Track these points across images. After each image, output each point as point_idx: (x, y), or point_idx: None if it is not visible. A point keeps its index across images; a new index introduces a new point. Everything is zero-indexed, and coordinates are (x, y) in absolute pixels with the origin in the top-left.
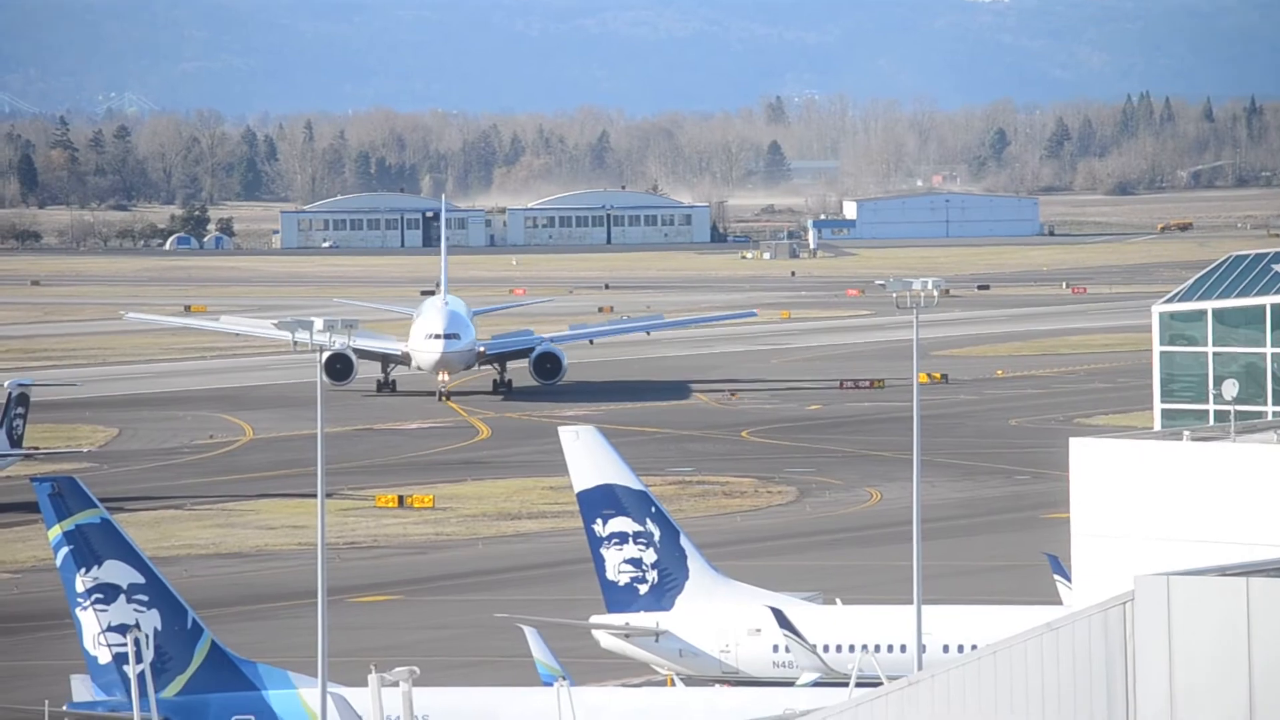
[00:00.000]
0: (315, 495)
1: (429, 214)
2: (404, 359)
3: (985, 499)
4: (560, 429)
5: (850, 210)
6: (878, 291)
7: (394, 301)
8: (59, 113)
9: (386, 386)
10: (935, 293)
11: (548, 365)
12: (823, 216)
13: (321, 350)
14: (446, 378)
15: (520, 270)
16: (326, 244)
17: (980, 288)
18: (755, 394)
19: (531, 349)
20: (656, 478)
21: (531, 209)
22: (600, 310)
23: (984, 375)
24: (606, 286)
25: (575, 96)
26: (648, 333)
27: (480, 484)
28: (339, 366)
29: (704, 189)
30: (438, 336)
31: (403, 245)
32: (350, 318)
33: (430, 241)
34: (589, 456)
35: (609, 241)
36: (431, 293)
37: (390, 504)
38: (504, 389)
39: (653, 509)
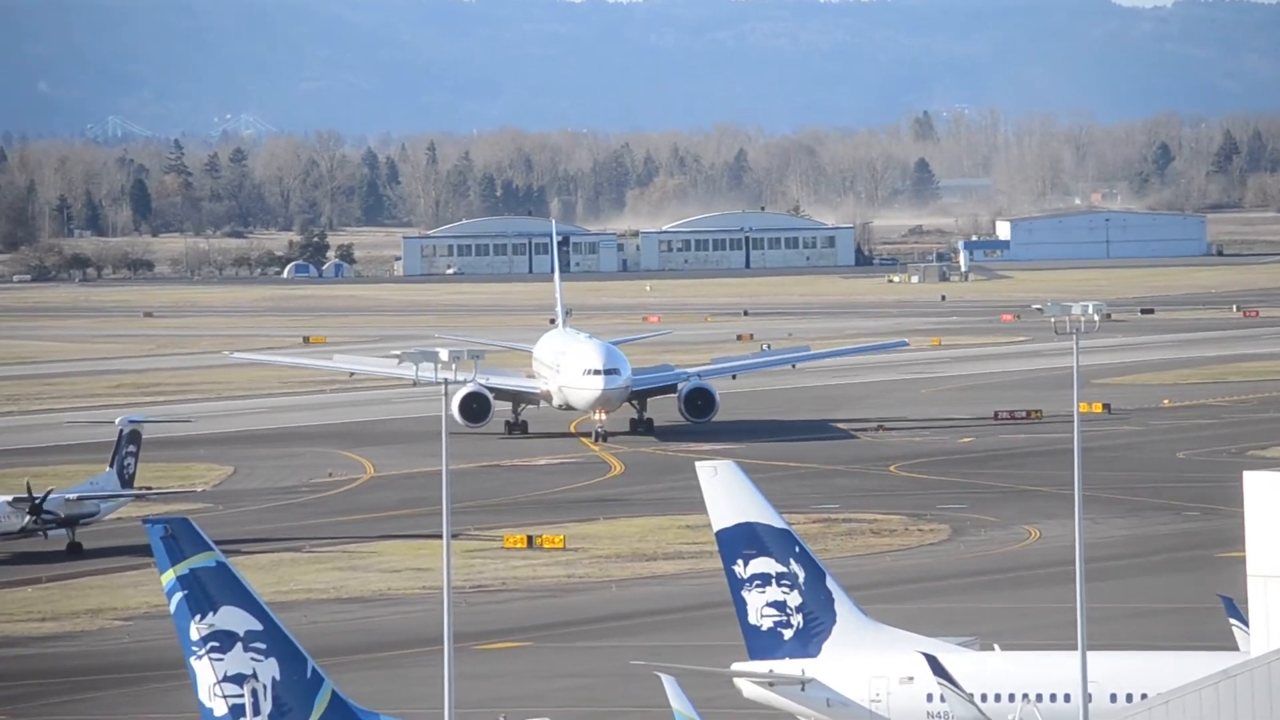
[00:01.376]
0: (441, 536)
1: (558, 237)
2: (540, 398)
3: (1153, 537)
4: (697, 464)
5: (1003, 230)
6: (1034, 316)
7: (510, 332)
8: (174, 136)
9: (517, 427)
10: (1096, 317)
11: (699, 402)
12: (974, 237)
13: (446, 383)
14: (604, 417)
15: (654, 296)
16: (451, 270)
17: (1144, 311)
18: (904, 426)
19: (675, 384)
20: (800, 515)
21: (666, 232)
22: (739, 339)
23: (1149, 405)
24: (745, 313)
25: (711, 113)
26: (794, 365)
27: (613, 523)
28: (475, 406)
29: (848, 209)
30: (597, 372)
31: (530, 271)
32: (477, 347)
33: (560, 267)
34: (728, 493)
35: (748, 266)
36: (553, 322)
37: (519, 545)
38: (643, 427)
39: (797, 549)
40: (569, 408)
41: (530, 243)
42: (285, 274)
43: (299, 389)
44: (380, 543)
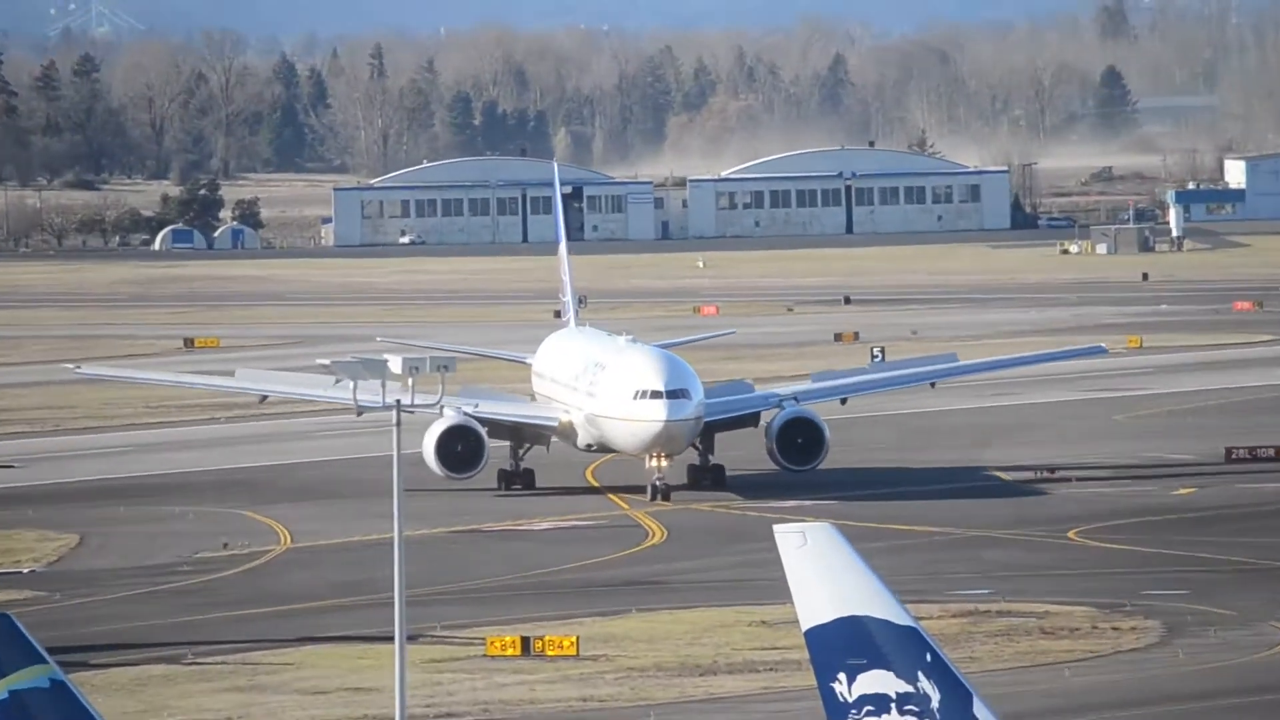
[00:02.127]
0: (392, 638)
1: (565, 189)
2: (557, 434)
3: None
4: (776, 529)
5: (1235, 174)
6: None
7: (495, 332)
8: None
9: (517, 478)
10: None
11: (799, 439)
12: (1191, 185)
13: (399, 409)
14: (665, 464)
15: (710, 275)
16: (406, 238)
17: None
18: (1089, 471)
19: (758, 413)
20: (933, 606)
21: (727, 179)
22: (838, 338)
23: None
24: (847, 300)
25: (794, 3)
26: (933, 384)
27: (651, 617)
28: (460, 448)
29: (999, 144)
30: (656, 395)
31: (525, 239)
32: (445, 353)
33: (570, 232)
34: (824, 573)
35: (849, 229)
36: (558, 315)
37: (510, 651)
38: (709, 478)
39: (928, 657)
40: (604, 448)
41: (524, 196)
42: (158, 244)
43: (178, 417)
44: (301, 649)
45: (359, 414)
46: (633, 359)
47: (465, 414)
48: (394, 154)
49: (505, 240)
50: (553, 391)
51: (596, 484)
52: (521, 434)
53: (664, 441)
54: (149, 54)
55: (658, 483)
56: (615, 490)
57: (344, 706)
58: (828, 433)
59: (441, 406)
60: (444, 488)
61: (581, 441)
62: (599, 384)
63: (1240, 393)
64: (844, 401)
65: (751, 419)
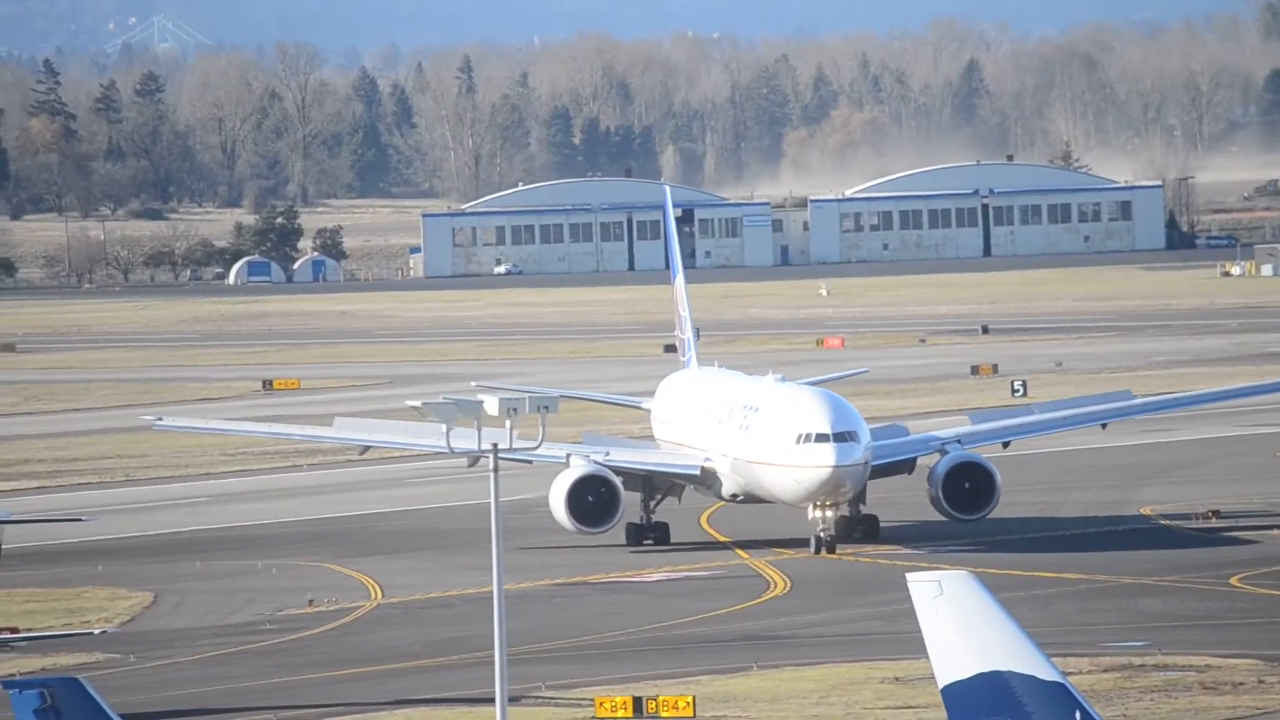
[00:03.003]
0: (493, 700)
1: (674, 211)
2: (700, 482)
3: None
4: (910, 577)
5: None
6: None
7: (600, 369)
8: (43, 55)
9: (650, 532)
10: None
11: (966, 484)
12: None
13: (496, 453)
14: (830, 515)
15: (833, 303)
16: (502, 268)
17: None
18: (1254, 513)
19: (914, 458)
20: (1083, 660)
21: (852, 199)
22: (975, 371)
23: None
24: (985, 330)
25: (923, 6)
26: (1103, 425)
27: (773, 674)
28: (592, 499)
29: (1152, 157)
30: (824, 439)
31: (631, 266)
32: (546, 394)
33: (686, 257)
34: (963, 624)
35: (986, 252)
36: (672, 348)
37: (621, 712)
38: (861, 529)
39: (1077, 716)
40: (753, 498)
41: (630, 220)
42: (232, 277)
43: (257, 465)
44: (395, 712)
45: (471, 464)
46: (793, 399)
47: (597, 463)
48: (487, 176)
49: (609, 269)
50: (684, 437)
51: (723, 540)
52: (654, 484)
53: (831, 489)
54: (217, 70)
55: (821, 534)
56: (751, 544)
57: None
58: (999, 478)
59: (569, 455)
60: (573, 545)
61: (727, 491)
62: (753, 427)
63: None
64: (1006, 445)
65: (906, 465)
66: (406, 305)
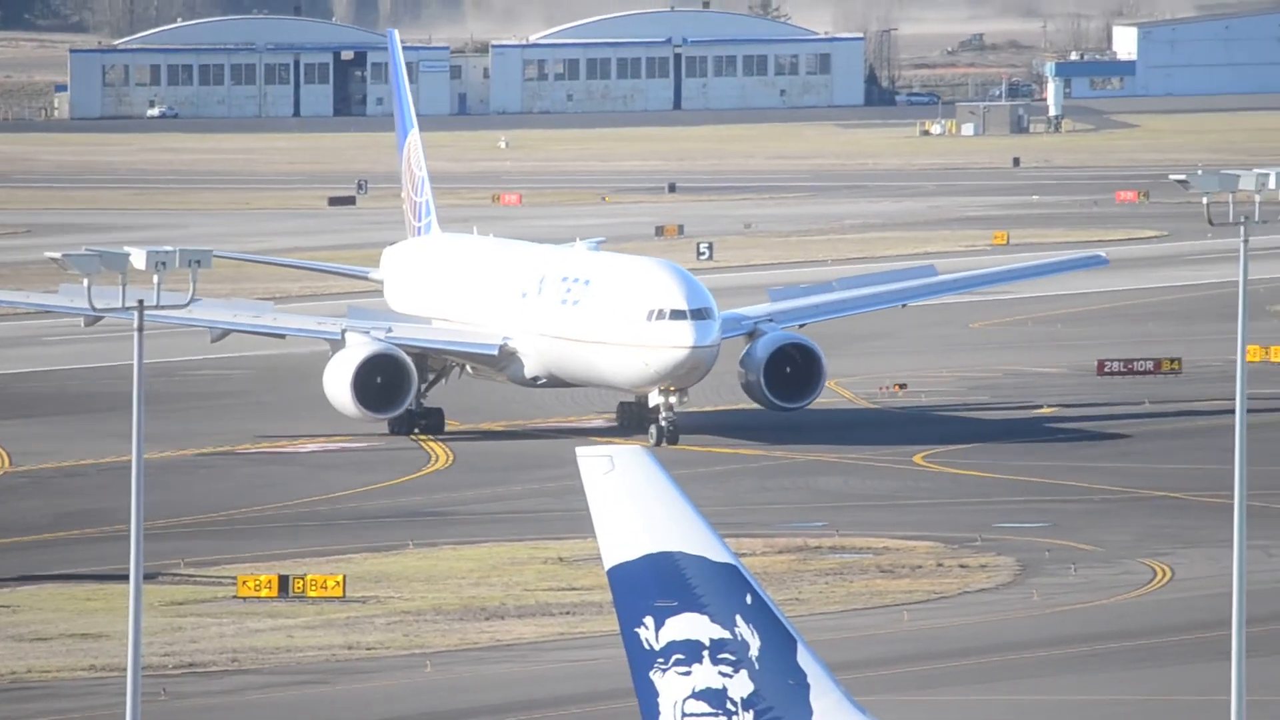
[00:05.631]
0: (126, 576)
1: (345, 54)
2: (492, 363)
3: None
4: (579, 451)
5: (1125, 42)
6: (1174, 193)
7: (271, 221)
8: None
9: (420, 419)
10: None
11: (788, 369)
12: (1074, 56)
13: (141, 309)
14: (676, 400)
15: (512, 156)
16: (155, 110)
17: None
18: (937, 385)
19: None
20: (757, 540)
21: (536, 45)
22: (659, 232)
23: None
24: (672, 188)
25: None
26: (903, 305)
27: (430, 553)
28: (380, 381)
29: (855, 6)
30: (681, 315)
31: (297, 113)
32: (197, 248)
33: (349, 105)
34: (633, 503)
35: (678, 105)
36: (344, 200)
37: (265, 591)
38: (667, 433)
39: (748, 599)
40: (561, 382)
41: (297, 62)
42: None
43: None
44: (18, 589)
45: (88, 324)
46: (638, 271)
47: (387, 340)
48: (143, 10)
49: (273, 114)
50: (449, 312)
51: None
52: (430, 365)
53: (685, 372)
54: None
55: (663, 422)
56: (538, 433)
57: (66, 655)
58: (825, 361)
59: (345, 331)
60: (224, 413)
61: (529, 372)
62: (583, 302)
63: (1117, 296)
64: (801, 326)
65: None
66: (50, 148)
